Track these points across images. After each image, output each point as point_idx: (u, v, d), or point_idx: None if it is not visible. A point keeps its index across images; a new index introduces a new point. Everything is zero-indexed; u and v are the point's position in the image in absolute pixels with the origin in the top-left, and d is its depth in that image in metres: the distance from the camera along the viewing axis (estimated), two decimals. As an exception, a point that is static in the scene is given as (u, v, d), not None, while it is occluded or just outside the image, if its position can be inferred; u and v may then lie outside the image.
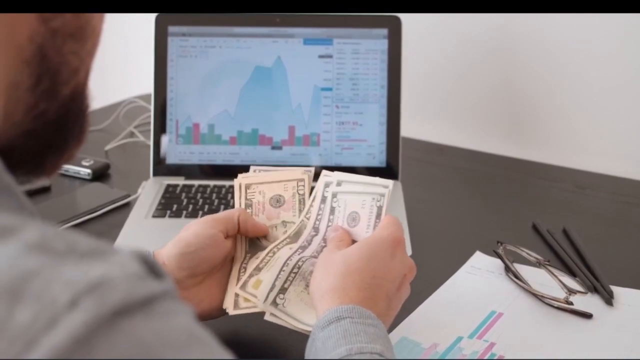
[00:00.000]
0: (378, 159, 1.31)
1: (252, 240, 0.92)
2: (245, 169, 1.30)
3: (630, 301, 0.99)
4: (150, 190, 1.26)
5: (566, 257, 1.09)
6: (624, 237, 1.18)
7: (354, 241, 0.85)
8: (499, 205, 1.30)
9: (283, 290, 0.84)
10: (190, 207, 1.22)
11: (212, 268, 0.87)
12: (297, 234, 0.90)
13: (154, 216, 1.19)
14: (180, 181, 1.30)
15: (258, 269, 0.87)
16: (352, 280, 0.77)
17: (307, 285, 0.85)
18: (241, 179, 0.94)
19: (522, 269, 1.05)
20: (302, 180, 0.93)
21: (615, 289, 1.01)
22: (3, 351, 0.34)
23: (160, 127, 1.31)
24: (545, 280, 1.01)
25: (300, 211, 0.92)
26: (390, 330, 0.86)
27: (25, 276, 0.36)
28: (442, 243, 1.16)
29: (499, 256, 1.06)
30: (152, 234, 1.14)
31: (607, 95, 1.41)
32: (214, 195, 1.25)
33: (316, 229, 0.89)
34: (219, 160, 1.32)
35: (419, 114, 1.56)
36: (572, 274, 1.05)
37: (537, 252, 1.05)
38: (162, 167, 1.31)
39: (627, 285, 1.03)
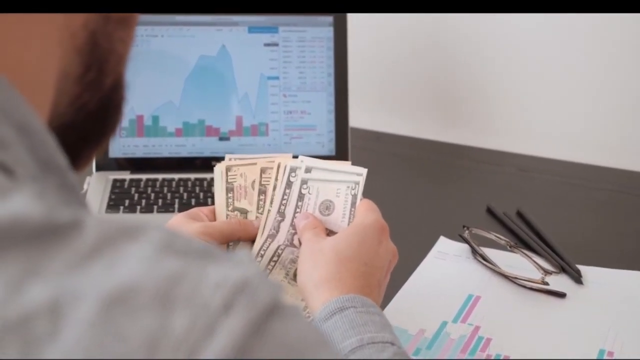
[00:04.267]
0: (327, 147, 1.30)
1: None
2: (192, 161, 1.28)
3: (598, 279, 1.02)
4: (96, 186, 1.21)
5: (528, 239, 1.11)
6: (574, 218, 1.22)
7: (327, 229, 0.84)
8: (448, 190, 1.32)
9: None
10: (143, 201, 1.18)
11: None
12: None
13: (107, 211, 1.15)
14: (126, 175, 1.25)
15: None
16: (347, 269, 0.76)
17: (286, 274, 0.83)
18: (220, 165, 0.90)
19: (488, 252, 1.06)
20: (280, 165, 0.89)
21: (581, 268, 1.04)
22: None
23: (103, 119, 1.26)
24: (513, 262, 1.04)
25: (258, 203, 0.88)
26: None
27: (170, 280, 0.34)
28: (403, 230, 1.16)
29: (465, 240, 1.08)
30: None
31: (543, 80, 1.45)
32: (165, 189, 1.22)
33: (282, 214, 0.86)
34: (165, 153, 1.28)
35: (353, 102, 1.56)
36: (537, 254, 1.07)
37: (496, 234, 1.07)
38: (105, 162, 1.26)
39: (588, 263, 1.06)
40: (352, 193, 0.85)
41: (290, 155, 0.91)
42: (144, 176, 1.25)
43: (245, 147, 1.29)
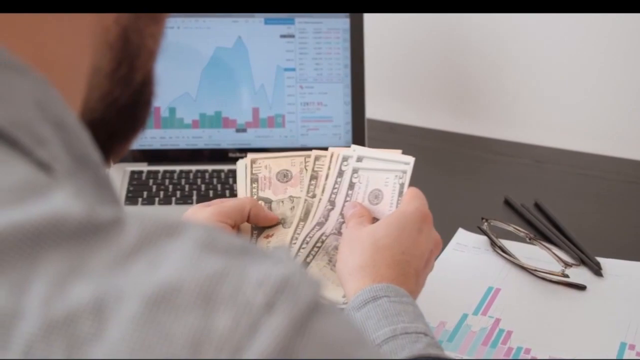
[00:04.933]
0: (344, 139, 1.30)
1: None
2: (209, 152, 1.28)
3: (618, 271, 1.02)
4: (114, 178, 1.21)
5: (547, 230, 1.11)
6: (592, 209, 1.21)
7: (374, 219, 0.84)
8: (465, 182, 1.31)
9: (305, 264, 0.82)
10: (162, 193, 1.18)
11: None
12: (306, 213, 0.88)
13: (125, 204, 1.15)
14: (143, 167, 1.25)
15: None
16: (382, 257, 0.76)
17: (329, 261, 0.83)
18: (245, 159, 0.92)
19: (507, 244, 1.06)
20: (309, 156, 0.91)
21: (600, 260, 1.03)
22: None
23: (120, 111, 1.26)
24: (532, 254, 1.03)
25: (309, 187, 0.89)
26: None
27: (213, 279, 0.34)
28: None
29: (484, 232, 1.08)
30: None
31: (560, 71, 1.45)
32: (183, 181, 1.22)
33: (332, 203, 0.87)
34: (182, 145, 1.28)
35: (368, 93, 1.56)
36: (556, 246, 1.07)
37: (515, 226, 1.07)
38: (122, 153, 1.26)
39: (607, 255, 1.05)
40: (400, 182, 0.85)
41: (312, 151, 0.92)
42: (161, 168, 1.25)
43: (261, 138, 1.28)
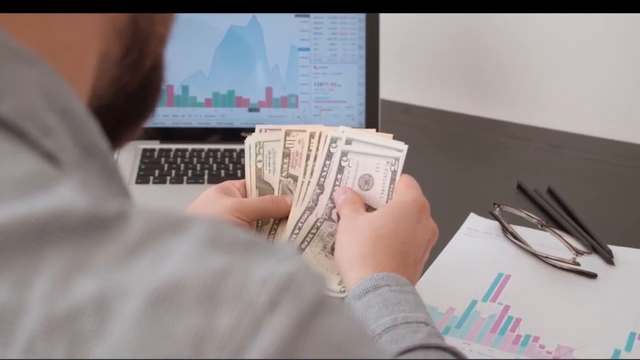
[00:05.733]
0: (357, 120, 1.29)
1: None
2: (222, 131, 1.28)
3: (630, 260, 1.01)
4: (126, 156, 1.22)
5: (559, 217, 1.10)
6: (606, 196, 1.20)
7: (366, 205, 0.84)
8: (478, 165, 1.31)
9: (299, 250, 0.81)
10: (173, 172, 1.18)
11: None
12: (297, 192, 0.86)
13: (137, 182, 1.15)
14: (155, 145, 1.25)
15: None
16: (382, 246, 0.76)
17: (324, 247, 0.83)
18: (250, 139, 0.89)
19: (518, 230, 1.05)
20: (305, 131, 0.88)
21: (612, 248, 1.03)
22: None
23: (133, 89, 1.26)
24: (543, 240, 1.03)
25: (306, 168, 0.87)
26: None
27: (216, 276, 0.34)
28: (433, 206, 1.14)
29: (496, 218, 1.07)
30: (140, 201, 1.10)
31: (573, 54, 1.43)
32: (195, 160, 1.22)
33: (321, 187, 0.85)
34: (195, 123, 1.28)
35: (383, 73, 1.55)
36: (568, 234, 1.06)
37: (527, 212, 1.06)
38: (135, 131, 1.26)
39: (619, 243, 1.05)
40: (392, 169, 0.84)
41: (319, 126, 0.89)
42: (173, 146, 1.25)
43: (274, 118, 1.28)
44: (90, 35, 0.45)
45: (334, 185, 0.85)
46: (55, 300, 0.32)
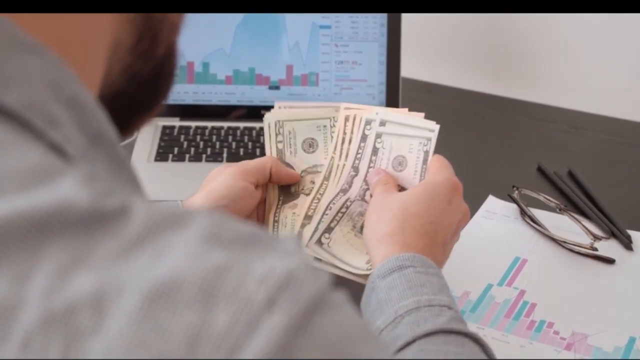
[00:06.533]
0: (378, 99, 1.29)
1: (283, 186, 0.89)
2: (242, 109, 1.28)
3: (649, 246, 1.00)
4: (146, 132, 1.22)
5: (579, 201, 1.09)
6: (627, 179, 1.19)
7: (399, 186, 0.84)
8: (499, 146, 1.30)
9: (329, 229, 0.82)
10: (192, 149, 1.19)
11: (243, 218, 0.84)
12: (330, 173, 0.87)
13: (156, 160, 1.16)
14: (175, 122, 1.25)
15: (308, 218, 0.84)
16: (411, 225, 0.76)
17: (353, 227, 0.83)
18: (270, 117, 0.90)
19: (537, 213, 1.05)
20: (334, 118, 0.89)
21: (632, 233, 1.02)
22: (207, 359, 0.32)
23: (153, 65, 1.26)
24: (562, 224, 1.02)
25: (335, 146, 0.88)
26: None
27: (215, 273, 0.33)
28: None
29: (514, 201, 1.06)
30: (158, 179, 1.11)
31: (596, 35, 1.41)
32: (214, 137, 1.22)
33: (356, 169, 0.86)
34: (215, 101, 1.28)
35: (404, 52, 1.54)
36: (587, 218, 1.05)
37: (546, 195, 1.05)
38: (155, 108, 1.26)
39: (638, 228, 1.04)
40: (424, 149, 0.84)
41: (341, 104, 0.90)
42: (193, 123, 1.25)
43: (294, 96, 1.28)
44: (101, 24, 0.45)
45: (368, 167, 0.85)
46: (53, 295, 0.32)
